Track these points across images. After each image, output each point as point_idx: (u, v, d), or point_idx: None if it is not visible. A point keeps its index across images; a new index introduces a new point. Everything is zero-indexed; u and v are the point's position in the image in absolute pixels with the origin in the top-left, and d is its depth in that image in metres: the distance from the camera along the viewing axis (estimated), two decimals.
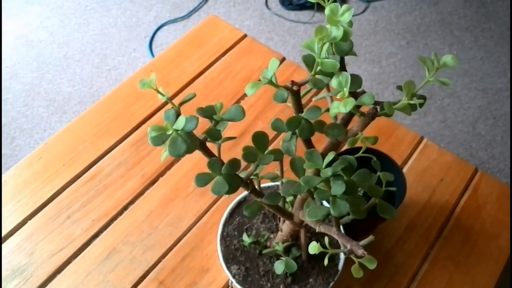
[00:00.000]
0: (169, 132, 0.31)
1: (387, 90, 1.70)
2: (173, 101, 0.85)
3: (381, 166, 0.61)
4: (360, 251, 0.32)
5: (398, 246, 0.71)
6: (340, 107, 0.31)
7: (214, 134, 0.34)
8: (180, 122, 0.30)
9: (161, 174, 0.77)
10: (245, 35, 0.96)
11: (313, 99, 0.45)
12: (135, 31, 1.92)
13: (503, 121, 1.63)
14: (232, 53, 0.93)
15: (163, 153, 0.34)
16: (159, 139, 0.31)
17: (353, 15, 1.94)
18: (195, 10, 2.00)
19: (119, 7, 2.01)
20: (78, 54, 1.85)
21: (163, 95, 0.35)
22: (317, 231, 0.39)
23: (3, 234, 0.70)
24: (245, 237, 0.58)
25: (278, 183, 0.53)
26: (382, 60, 1.79)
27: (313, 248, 0.33)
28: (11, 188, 0.74)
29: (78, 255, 0.69)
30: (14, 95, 1.70)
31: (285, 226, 0.52)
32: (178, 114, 0.33)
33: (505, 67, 1.77)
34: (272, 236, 0.60)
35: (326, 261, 0.35)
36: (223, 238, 0.60)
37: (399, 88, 0.36)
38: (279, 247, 0.54)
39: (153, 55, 1.83)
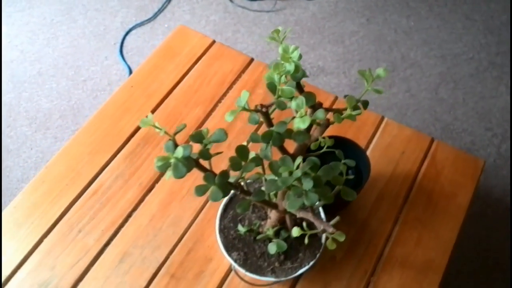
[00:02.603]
0: (171, 160, 0.39)
1: (353, 68, 1.80)
2: (158, 111, 0.93)
3: (347, 151, 0.71)
4: (330, 229, 0.42)
5: (372, 215, 0.82)
6: (300, 123, 0.40)
7: (205, 155, 0.43)
8: (179, 152, 0.39)
9: (156, 181, 0.86)
10: (214, 41, 1.04)
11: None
12: (104, 39, 1.96)
13: (463, 83, 1.75)
14: (204, 60, 1.01)
15: (167, 174, 0.43)
16: (164, 166, 0.40)
17: None
18: (160, 11, 2.05)
19: (84, 16, 2.04)
20: (51, 69, 1.88)
21: (160, 129, 0.44)
22: (297, 216, 0.49)
23: (23, 254, 0.77)
24: (240, 228, 0.68)
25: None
26: (345, 39, 1.89)
27: (296, 231, 0.43)
28: (22, 212, 0.82)
29: (95, 263, 0.77)
30: None
31: (273, 214, 0.62)
32: (175, 142, 0.42)
33: (460, 33, 1.88)
34: (262, 223, 0.69)
35: (306, 240, 0.45)
36: (221, 230, 0.70)
37: (346, 96, 0.45)
38: (270, 232, 0.64)
39: (125, 61, 1.88)
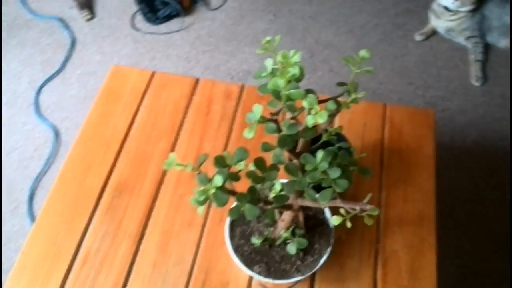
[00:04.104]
0: (212, 191, 0.39)
1: None
2: (121, 157, 0.90)
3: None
4: (368, 207, 0.44)
5: (358, 189, 0.86)
6: (318, 118, 0.41)
7: (234, 177, 0.43)
8: (218, 180, 0.39)
9: (145, 226, 0.83)
10: (154, 72, 1.02)
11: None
12: (16, 104, 1.83)
13: (376, 50, 1.88)
14: (150, 93, 0.99)
15: (200, 208, 0.42)
16: (204, 200, 0.39)
17: (217, 8, 2.03)
18: (66, 59, 1.95)
19: None
20: None
21: (185, 166, 0.43)
22: (323, 207, 0.50)
23: None
24: (255, 240, 0.68)
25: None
26: (260, 38, 1.94)
27: (336, 220, 0.45)
28: None
29: None
30: None
31: (287, 216, 0.63)
32: (204, 174, 0.41)
33: (359, 5, 2.03)
34: (272, 229, 0.70)
35: (348, 224, 0.47)
36: (235, 250, 0.69)
37: (340, 84, 0.48)
38: (287, 233, 0.65)
39: (45, 121, 1.76)
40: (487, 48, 1.82)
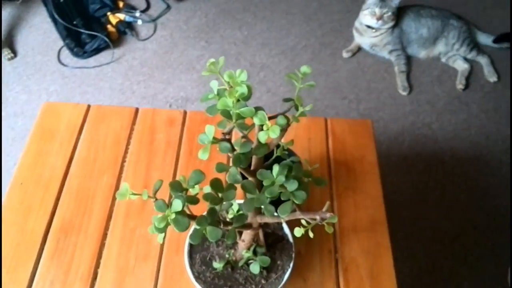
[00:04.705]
0: (172, 217, 0.38)
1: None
2: (64, 196, 0.85)
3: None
4: (328, 215, 0.45)
5: (310, 201, 0.87)
6: (271, 133, 0.42)
7: (193, 201, 0.42)
8: (177, 205, 0.38)
9: (97, 266, 0.78)
10: (89, 106, 0.99)
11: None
12: None
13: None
14: (88, 127, 0.95)
15: (160, 236, 0.41)
16: (164, 227, 0.38)
17: (147, 38, 2.01)
18: None
19: None
20: None
21: (140, 194, 0.42)
22: (283, 221, 0.51)
23: None
24: (216, 265, 0.67)
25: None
26: (195, 65, 1.95)
27: (298, 231, 0.45)
28: None
29: None
30: None
31: (247, 236, 0.63)
32: (162, 200, 0.40)
33: (287, 28, 2.11)
34: (232, 251, 0.69)
35: (311, 234, 0.48)
36: (197, 278, 0.67)
37: (286, 100, 0.49)
38: (249, 253, 0.64)
39: None
40: (409, 60, 1.97)
